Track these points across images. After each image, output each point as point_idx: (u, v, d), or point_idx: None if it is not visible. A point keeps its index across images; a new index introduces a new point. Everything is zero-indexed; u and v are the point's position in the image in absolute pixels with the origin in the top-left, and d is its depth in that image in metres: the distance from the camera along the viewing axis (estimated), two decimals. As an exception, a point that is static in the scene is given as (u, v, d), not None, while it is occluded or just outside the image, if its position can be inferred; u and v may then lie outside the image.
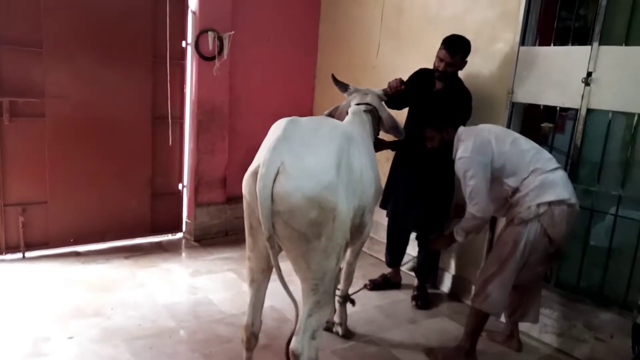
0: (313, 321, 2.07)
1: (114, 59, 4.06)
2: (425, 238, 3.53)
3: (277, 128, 2.07)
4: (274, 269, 2.17)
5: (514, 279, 2.81)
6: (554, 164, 2.80)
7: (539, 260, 2.82)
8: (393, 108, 3.45)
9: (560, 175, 2.78)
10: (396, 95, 3.28)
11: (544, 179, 2.72)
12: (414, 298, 3.65)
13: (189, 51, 4.40)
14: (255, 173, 1.99)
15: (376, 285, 3.86)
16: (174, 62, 4.33)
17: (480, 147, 2.80)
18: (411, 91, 3.40)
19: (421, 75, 3.59)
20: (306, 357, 2.04)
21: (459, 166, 2.84)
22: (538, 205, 2.69)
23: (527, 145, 2.86)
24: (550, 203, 2.68)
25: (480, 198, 2.76)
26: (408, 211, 3.65)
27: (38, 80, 3.78)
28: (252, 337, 2.43)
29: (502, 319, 3.18)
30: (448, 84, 3.43)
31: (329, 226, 1.98)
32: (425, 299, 3.64)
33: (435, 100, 3.46)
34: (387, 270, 3.98)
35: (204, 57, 4.30)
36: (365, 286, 3.69)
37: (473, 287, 3.00)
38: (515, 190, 2.79)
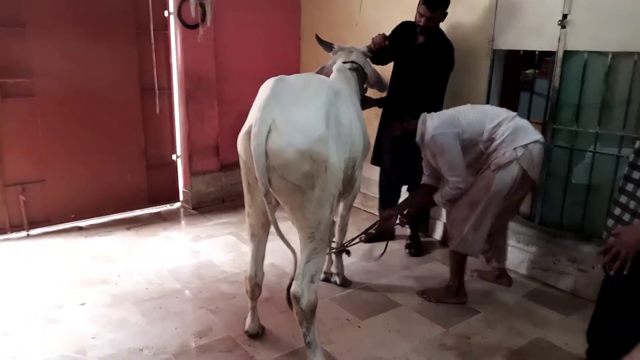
0: (311, 266, 2.19)
1: (97, 33, 4.07)
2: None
3: (266, 88, 2.15)
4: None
5: (490, 222, 2.94)
6: (511, 112, 2.95)
7: (518, 200, 2.99)
8: (378, 64, 3.51)
9: (523, 120, 2.95)
10: (380, 50, 3.34)
11: (515, 124, 2.86)
12: (407, 247, 3.81)
13: (172, 20, 4.40)
14: (248, 132, 2.08)
15: (371, 237, 3.99)
16: (158, 32, 4.34)
17: (447, 120, 2.93)
18: (394, 45, 3.46)
19: (403, 28, 3.63)
20: (306, 299, 2.17)
21: (433, 143, 2.91)
22: (515, 149, 2.81)
23: (483, 106, 3.11)
24: (526, 145, 2.81)
25: (460, 170, 2.89)
26: (397, 165, 3.75)
27: (25, 60, 3.80)
28: (255, 287, 2.59)
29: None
30: (430, 37, 3.48)
31: (321, 177, 2.08)
32: (417, 247, 3.79)
33: (418, 53, 3.52)
34: None
35: (187, 26, 4.31)
36: (360, 239, 3.82)
37: (448, 232, 3.12)
38: (489, 140, 2.89)
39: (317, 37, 3.28)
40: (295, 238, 2.25)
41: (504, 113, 2.93)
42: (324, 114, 2.12)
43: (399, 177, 3.83)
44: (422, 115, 3.03)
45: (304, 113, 2.08)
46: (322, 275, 3.28)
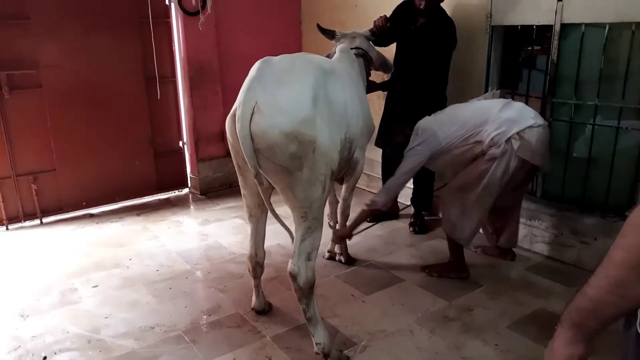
0: (307, 244, 2.21)
1: (100, 23, 4.14)
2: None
3: (252, 70, 2.15)
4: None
5: (484, 214, 2.95)
6: (501, 102, 2.91)
7: (520, 183, 2.97)
8: (379, 46, 3.51)
9: (516, 107, 2.88)
10: (382, 33, 3.34)
11: (501, 118, 2.81)
12: (411, 225, 3.86)
13: (173, 8, 4.45)
14: (233, 115, 2.09)
15: (377, 216, 4.04)
16: (159, 20, 4.40)
17: (427, 140, 2.94)
18: (395, 27, 3.45)
19: (403, 10, 3.62)
20: (303, 276, 2.21)
21: (406, 156, 2.99)
22: (507, 141, 2.77)
23: (468, 110, 2.99)
24: (518, 133, 2.76)
25: (394, 185, 2.97)
26: (399, 147, 3.78)
27: (31, 52, 3.88)
28: (257, 266, 2.66)
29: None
30: (431, 18, 3.47)
31: (309, 158, 2.06)
32: (421, 225, 3.84)
33: (420, 35, 3.50)
34: None
35: (188, 13, 4.35)
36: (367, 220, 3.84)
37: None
38: (477, 143, 2.86)
39: (319, 26, 3.27)
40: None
41: (489, 110, 2.87)
42: (310, 94, 2.09)
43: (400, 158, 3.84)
44: (417, 124, 3.07)
45: (288, 94, 2.06)
46: (327, 254, 3.36)
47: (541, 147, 2.82)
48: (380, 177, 4.15)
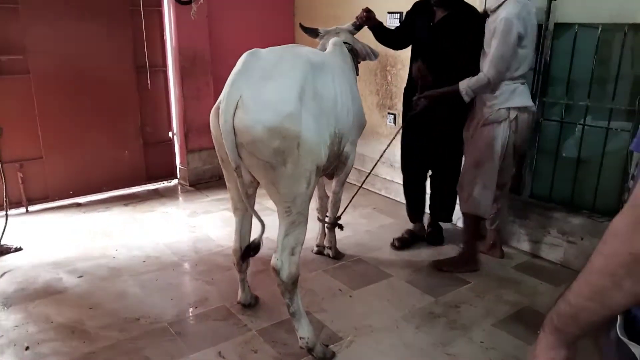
0: (291, 239, 2.20)
1: (91, 9, 4.07)
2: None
3: (238, 63, 2.12)
4: (255, 197, 2.38)
5: (496, 179, 2.97)
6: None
7: (507, 164, 3.01)
8: (394, 49, 3.39)
9: (525, 86, 2.93)
10: (364, 23, 3.19)
11: (516, 88, 2.84)
12: (428, 234, 3.58)
13: (165, -4, 4.40)
14: (217, 109, 2.07)
15: (404, 242, 3.54)
16: (151, 8, 4.34)
17: (524, 17, 2.72)
18: (410, 28, 3.27)
19: (417, 9, 3.31)
20: (286, 271, 2.20)
21: (499, 25, 2.71)
22: (508, 109, 2.84)
23: (531, 53, 2.85)
24: (519, 109, 2.84)
25: (502, 67, 2.75)
26: (420, 162, 3.50)
27: (19, 37, 3.81)
28: (241, 260, 2.64)
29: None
30: (451, 8, 3.09)
31: (293, 153, 2.03)
32: (438, 236, 3.58)
33: (443, 28, 3.13)
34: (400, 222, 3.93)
35: (180, 2, 4.31)
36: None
37: (458, 196, 3.16)
38: (494, 85, 2.82)
39: (301, 26, 3.22)
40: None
41: (525, 72, 2.87)
42: (296, 88, 2.06)
43: (422, 172, 3.54)
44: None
45: (274, 88, 2.03)
46: (315, 249, 3.36)
47: (525, 130, 2.93)
48: (376, 175, 4.11)
